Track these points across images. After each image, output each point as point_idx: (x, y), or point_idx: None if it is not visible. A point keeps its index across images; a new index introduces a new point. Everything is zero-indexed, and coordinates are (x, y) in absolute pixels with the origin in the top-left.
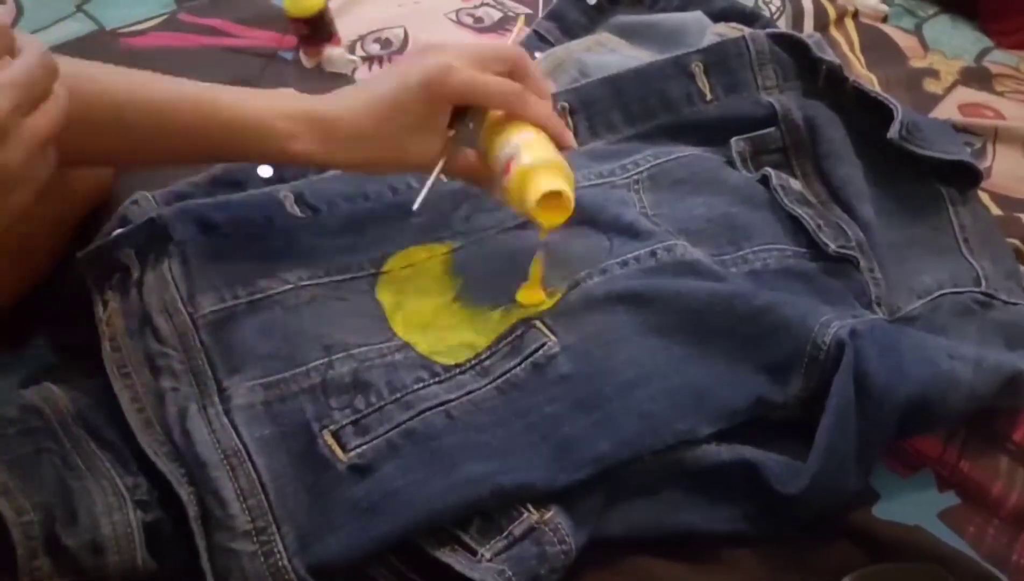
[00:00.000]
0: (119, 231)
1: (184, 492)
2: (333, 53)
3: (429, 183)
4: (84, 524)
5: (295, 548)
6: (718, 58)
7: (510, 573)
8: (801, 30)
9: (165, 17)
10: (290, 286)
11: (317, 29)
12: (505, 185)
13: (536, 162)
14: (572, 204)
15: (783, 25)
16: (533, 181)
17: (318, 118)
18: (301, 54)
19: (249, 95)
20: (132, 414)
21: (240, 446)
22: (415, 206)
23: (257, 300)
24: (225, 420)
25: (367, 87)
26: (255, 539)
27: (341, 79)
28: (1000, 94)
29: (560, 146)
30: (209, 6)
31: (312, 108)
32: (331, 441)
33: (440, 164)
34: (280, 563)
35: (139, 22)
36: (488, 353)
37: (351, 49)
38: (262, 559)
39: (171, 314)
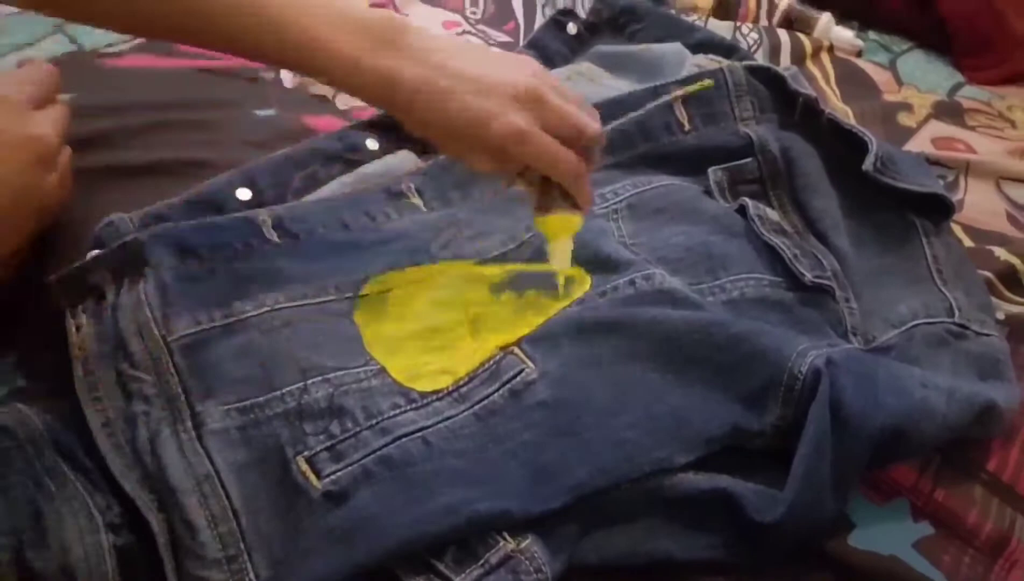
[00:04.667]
0: (94, 253)
1: (154, 519)
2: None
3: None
4: (55, 547)
5: (267, 576)
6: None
7: None
8: (778, 63)
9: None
10: (266, 309)
11: None
12: None
13: None
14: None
15: (760, 58)
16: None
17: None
18: (283, 73)
19: None
20: (103, 439)
21: (212, 472)
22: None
23: (232, 323)
24: (198, 445)
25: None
26: (226, 567)
27: (325, 100)
28: (972, 129)
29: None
30: None
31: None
32: (305, 467)
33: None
34: None
35: (118, 42)
36: (466, 379)
37: None
38: None
39: (145, 337)
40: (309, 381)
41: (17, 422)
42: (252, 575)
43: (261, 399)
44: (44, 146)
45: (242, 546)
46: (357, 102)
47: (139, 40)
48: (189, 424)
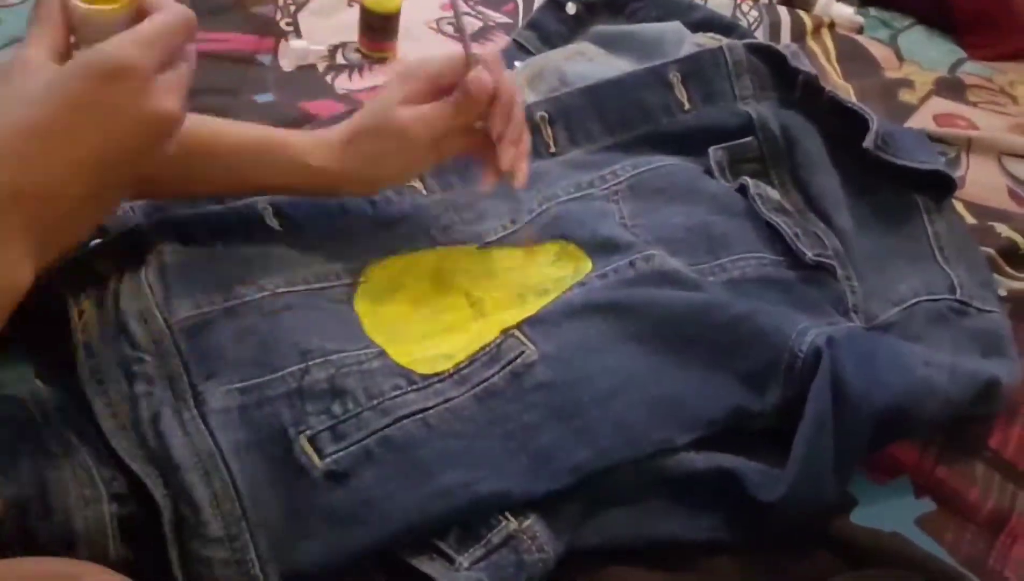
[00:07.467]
0: (97, 241)
1: (159, 494)
2: (296, 45)
3: None
4: (58, 517)
5: (268, 556)
6: (696, 68)
7: None
8: (778, 40)
9: None
10: (267, 293)
11: (387, 27)
12: None
13: None
14: None
15: (760, 36)
16: None
17: (324, 135)
18: (280, 57)
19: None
20: (106, 419)
21: (215, 450)
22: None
23: (234, 306)
24: (200, 424)
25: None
26: (228, 545)
27: (311, 73)
28: (973, 105)
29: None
30: None
31: (317, 133)
32: (307, 447)
33: None
34: (252, 571)
35: None
36: (467, 362)
37: (331, 55)
38: (235, 567)
39: (147, 320)
40: (310, 362)
41: (30, 393)
42: (254, 554)
43: (262, 380)
44: (167, 124)
45: (244, 525)
46: (355, 85)
47: None
48: (191, 403)
